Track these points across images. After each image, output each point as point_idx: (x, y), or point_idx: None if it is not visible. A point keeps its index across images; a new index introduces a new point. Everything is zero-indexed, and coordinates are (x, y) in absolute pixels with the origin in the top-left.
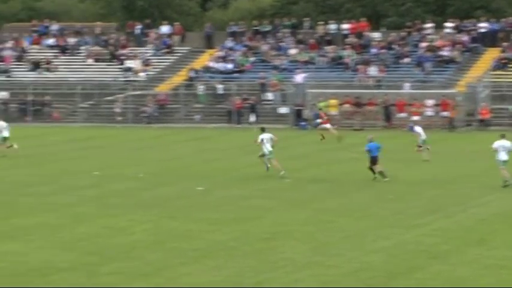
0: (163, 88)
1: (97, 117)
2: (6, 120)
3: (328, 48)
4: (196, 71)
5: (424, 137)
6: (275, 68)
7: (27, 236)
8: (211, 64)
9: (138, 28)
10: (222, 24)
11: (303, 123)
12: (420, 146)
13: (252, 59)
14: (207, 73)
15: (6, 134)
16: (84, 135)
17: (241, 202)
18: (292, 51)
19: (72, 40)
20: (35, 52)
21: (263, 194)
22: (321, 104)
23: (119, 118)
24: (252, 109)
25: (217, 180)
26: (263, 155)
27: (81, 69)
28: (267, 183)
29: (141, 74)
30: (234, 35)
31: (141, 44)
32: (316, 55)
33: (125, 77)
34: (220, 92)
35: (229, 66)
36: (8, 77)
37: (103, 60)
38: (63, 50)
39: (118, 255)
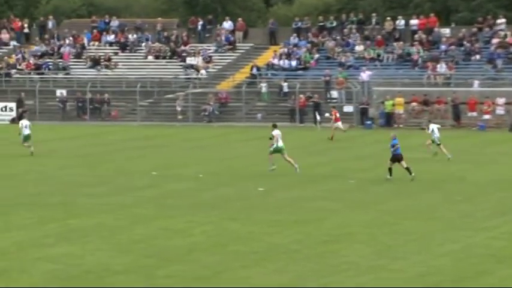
0: (224, 86)
1: (156, 115)
2: (63, 119)
3: (396, 44)
4: (259, 68)
5: (437, 135)
6: (340, 65)
7: (84, 238)
8: (275, 61)
9: (200, 24)
10: (286, 20)
11: (368, 122)
12: (434, 143)
13: (316, 55)
14: (270, 70)
15: (27, 132)
16: (143, 134)
17: (302, 203)
18: (359, 48)
19: (132, 36)
20: (95, 49)
21: (325, 195)
22: (388, 103)
23: (179, 117)
24: (316, 107)
25: (279, 181)
26: (275, 152)
27: (141, 67)
28: (329, 184)
29: (203, 71)
30: (298, 31)
31: (202, 40)
32: (383, 52)
33: (185, 75)
34: (286, 90)
35: (293, 63)
36: (67, 74)
37: (163, 57)
38: (123, 46)
39: (176, 258)
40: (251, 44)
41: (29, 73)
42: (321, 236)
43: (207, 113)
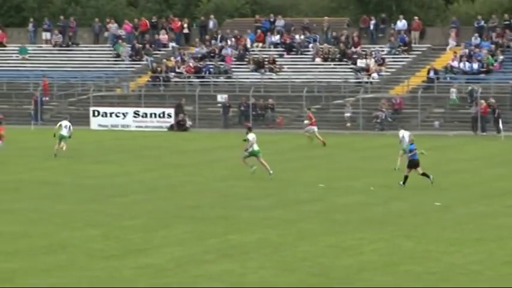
0: (398, 91)
1: (324, 122)
2: (225, 125)
3: None
4: (437, 72)
5: (405, 146)
6: None
7: (245, 255)
8: (454, 63)
9: (372, 23)
10: (467, 18)
11: None
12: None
13: (501, 57)
14: (449, 73)
15: (64, 133)
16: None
17: (484, 220)
18: None
19: (298, 37)
20: (258, 50)
21: (509, 212)
22: None
23: (348, 124)
24: (498, 115)
25: (458, 195)
26: (251, 155)
27: (308, 70)
28: None
29: (374, 74)
30: (481, 30)
31: (375, 41)
32: None
33: (356, 78)
34: (476, 94)
35: (475, 66)
36: (228, 78)
37: (332, 60)
38: (289, 48)
39: (344, 278)
40: (428, 45)
41: (189, 77)
42: (505, 256)
43: (379, 120)
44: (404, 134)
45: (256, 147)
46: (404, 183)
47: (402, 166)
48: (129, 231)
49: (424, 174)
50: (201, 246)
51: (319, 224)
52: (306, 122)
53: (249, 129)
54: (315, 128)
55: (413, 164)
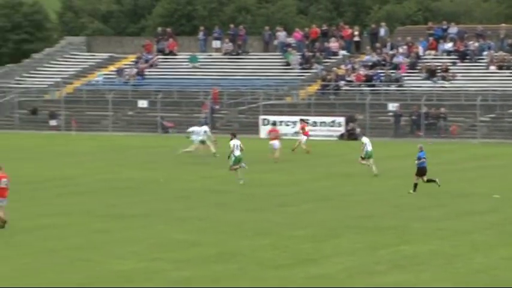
0: None
1: (499, 132)
2: (396, 135)
3: None
4: None
5: (369, 149)
6: None
7: (418, 266)
8: None
9: None
10: None
11: None
12: (363, 158)
13: None
14: None
15: (237, 153)
16: (483, 152)
17: None
18: None
19: (472, 45)
20: (430, 58)
21: None
22: None
23: None
24: None
25: None
26: (236, 162)
27: (482, 78)
28: None
29: None
30: None
31: None
32: None
33: None
34: None
35: None
36: (400, 86)
37: (508, 68)
38: (462, 55)
39: None
40: None
41: (359, 85)
42: None
43: None
44: (366, 141)
45: (237, 153)
46: (414, 190)
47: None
48: (299, 240)
49: (429, 181)
50: (372, 256)
51: (494, 235)
52: (297, 131)
53: (234, 136)
54: (304, 138)
55: (421, 172)
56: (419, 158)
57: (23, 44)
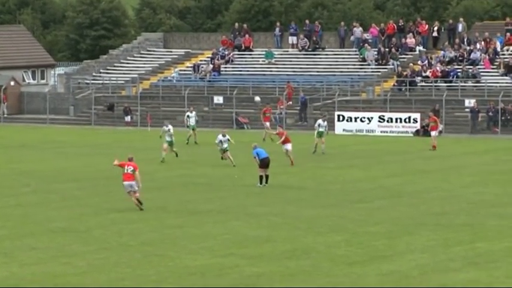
0: None
1: None
2: (473, 131)
3: None
4: None
5: (225, 146)
6: None
7: (492, 263)
8: None
9: None
10: None
11: None
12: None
13: None
14: None
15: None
16: None
17: None
18: None
19: None
20: (508, 54)
21: None
22: None
23: None
24: None
25: None
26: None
27: None
28: None
29: None
30: None
31: None
32: None
33: None
34: None
35: None
36: (477, 82)
37: None
38: None
39: None
40: None
41: (435, 81)
42: None
43: None
44: (224, 139)
45: (225, 146)
46: None
47: None
48: (372, 237)
49: None
50: (446, 253)
51: None
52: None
53: (223, 136)
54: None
55: None
56: None
57: (101, 40)
